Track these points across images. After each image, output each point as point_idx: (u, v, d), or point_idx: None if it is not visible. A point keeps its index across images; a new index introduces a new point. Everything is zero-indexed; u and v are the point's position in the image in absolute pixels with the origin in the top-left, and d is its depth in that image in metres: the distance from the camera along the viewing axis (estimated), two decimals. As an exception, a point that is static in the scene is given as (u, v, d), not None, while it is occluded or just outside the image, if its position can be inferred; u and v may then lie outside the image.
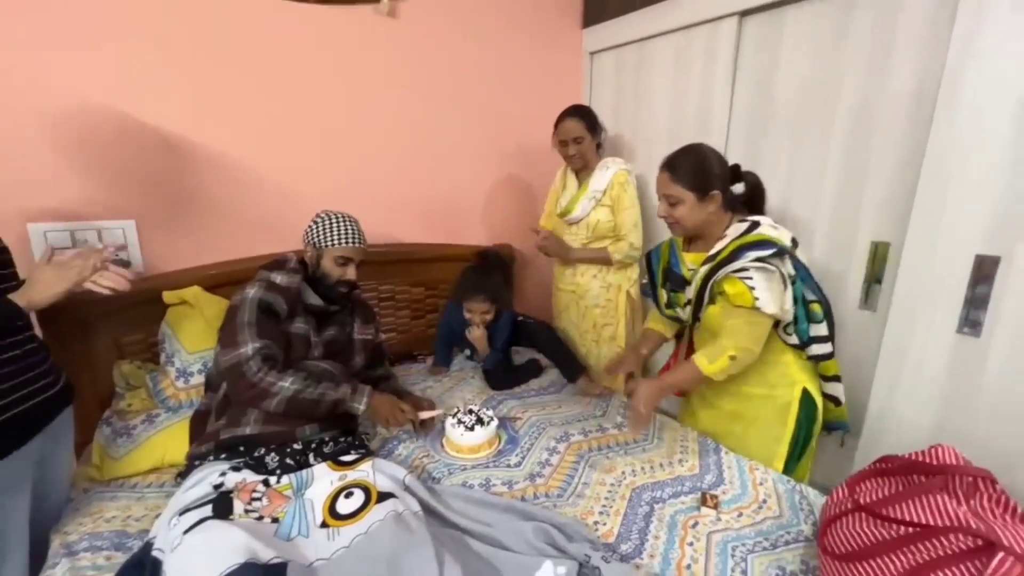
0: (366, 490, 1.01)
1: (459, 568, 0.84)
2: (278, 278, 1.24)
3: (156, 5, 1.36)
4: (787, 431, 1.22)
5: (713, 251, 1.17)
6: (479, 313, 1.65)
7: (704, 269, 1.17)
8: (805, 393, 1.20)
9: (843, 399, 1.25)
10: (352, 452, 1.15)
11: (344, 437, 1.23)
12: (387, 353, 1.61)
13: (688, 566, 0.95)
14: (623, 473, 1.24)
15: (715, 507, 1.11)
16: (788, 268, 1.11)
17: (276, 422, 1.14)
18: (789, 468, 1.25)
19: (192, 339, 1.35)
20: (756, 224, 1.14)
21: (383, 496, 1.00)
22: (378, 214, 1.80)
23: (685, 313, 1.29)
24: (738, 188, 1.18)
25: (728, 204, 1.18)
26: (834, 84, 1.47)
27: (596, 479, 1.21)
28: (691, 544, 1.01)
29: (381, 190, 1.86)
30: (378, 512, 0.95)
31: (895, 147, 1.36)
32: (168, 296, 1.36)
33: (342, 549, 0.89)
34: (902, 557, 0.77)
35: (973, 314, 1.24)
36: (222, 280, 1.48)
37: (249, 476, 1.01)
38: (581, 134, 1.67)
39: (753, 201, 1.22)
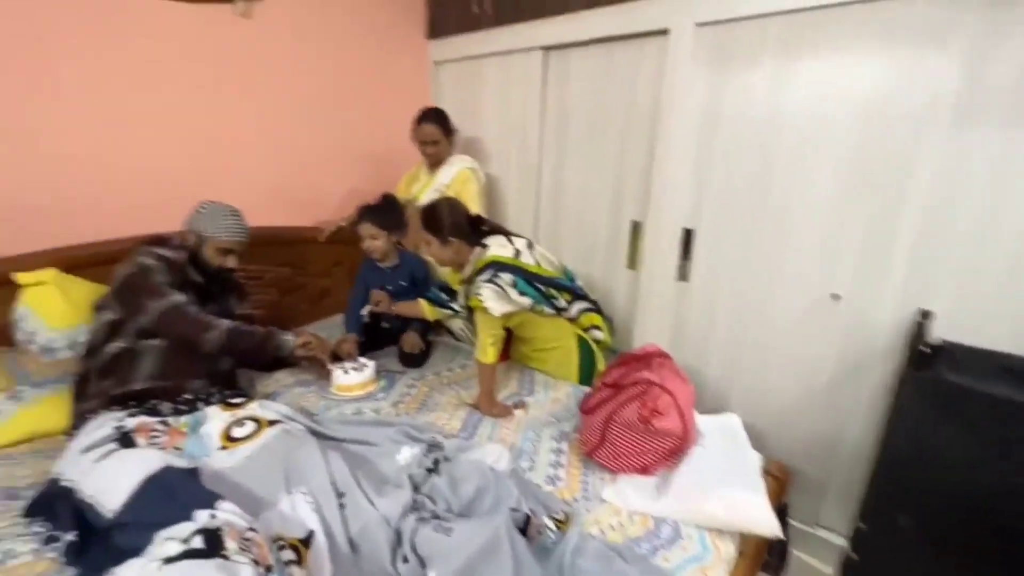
0: (256, 420, 1.27)
1: (339, 456, 1.17)
2: (163, 252, 1.39)
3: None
4: (573, 362, 1.78)
5: (463, 276, 1.65)
6: (368, 238, 1.84)
7: (463, 289, 1.66)
8: (580, 338, 1.77)
9: (603, 338, 1.81)
10: (238, 398, 1.38)
11: (227, 390, 1.44)
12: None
13: (504, 439, 1.42)
14: (469, 395, 1.68)
15: (523, 408, 1.60)
16: (506, 279, 1.52)
17: (166, 376, 1.32)
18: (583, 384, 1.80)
19: (55, 317, 1.40)
20: (486, 247, 1.60)
21: (272, 423, 1.27)
22: (242, 200, 1.93)
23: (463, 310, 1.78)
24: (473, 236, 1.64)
25: (471, 242, 1.63)
26: (604, 107, 2.06)
27: (445, 400, 1.63)
28: (507, 428, 1.48)
29: (244, 178, 2.00)
30: (270, 432, 1.22)
31: (641, 154, 1.99)
32: (23, 277, 1.39)
33: (243, 458, 1.15)
34: (610, 402, 1.31)
35: (683, 267, 1.93)
36: (81, 262, 1.53)
37: (147, 418, 1.19)
38: (437, 138, 2.02)
39: (496, 231, 1.68)
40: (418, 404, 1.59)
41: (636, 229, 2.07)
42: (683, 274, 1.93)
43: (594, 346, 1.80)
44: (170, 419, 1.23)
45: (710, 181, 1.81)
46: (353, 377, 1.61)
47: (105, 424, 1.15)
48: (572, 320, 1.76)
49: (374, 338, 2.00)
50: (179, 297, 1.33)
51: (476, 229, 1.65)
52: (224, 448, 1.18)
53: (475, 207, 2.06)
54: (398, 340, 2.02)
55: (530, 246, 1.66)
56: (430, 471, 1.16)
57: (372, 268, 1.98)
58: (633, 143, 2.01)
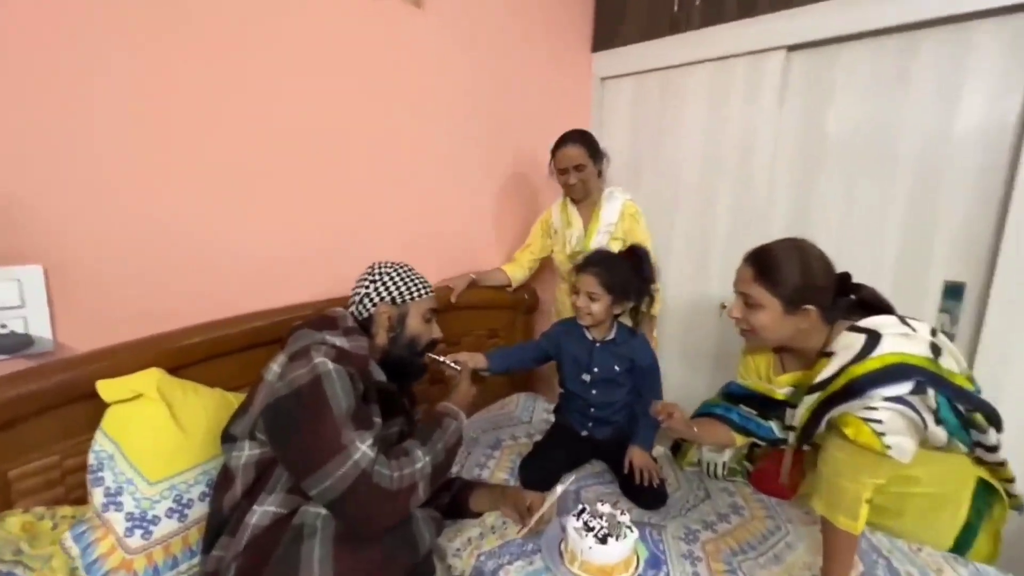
0: None
1: None
2: (339, 342, 0.84)
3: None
4: (957, 521, 1.05)
5: (821, 377, 0.93)
6: (584, 294, 1.24)
7: (812, 400, 0.94)
8: (980, 481, 1.04)
9: (1019, 494, 1.06)
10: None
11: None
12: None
13: None
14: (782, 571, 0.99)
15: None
16: (930, 401, 0.85)
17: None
18: (960, 551, 1.07)
19: (156, 459, 0.82)
20: (877, 337, 0.88)
21: None
22: (391, 255, 1.36)
23: (787, 435, 1.11)
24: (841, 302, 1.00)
25: (828, 318, 1.00)
26: (895, 124, 1.46)
27: (772, 594, 0.95)
28: None
29: (391, 225, 1.45)
30: None
31: (967, 188, 1.37)
32: (108, 389, 0.82)
33: None
34: None
35: (1067, 354, 1.25)
36: (198, 354, 0.96)
37: None
38: (583, 161, 1.51)
39: (869, 306, 0.99)
40: (734, 606, 0.92)
41: (954, 293, 1.41)
42: (1067, 364, 1.25)
43: (1005, 502, 1.06)
44: None
45: None
46: (613, 550, 0.95)
47: None
48: (995, 465, 1.02)
49: (560, 449, 1.34)
50: (363, 449, 0.73)
51: (838, 296, 1.00)
52: None
53: (650, 248, 1.40)
54: (600, 453, 1.37)
55: (934, 334, 0.94)
56: None
57: (573, 334, 1.33)
58: (953, 177, 1.39)
